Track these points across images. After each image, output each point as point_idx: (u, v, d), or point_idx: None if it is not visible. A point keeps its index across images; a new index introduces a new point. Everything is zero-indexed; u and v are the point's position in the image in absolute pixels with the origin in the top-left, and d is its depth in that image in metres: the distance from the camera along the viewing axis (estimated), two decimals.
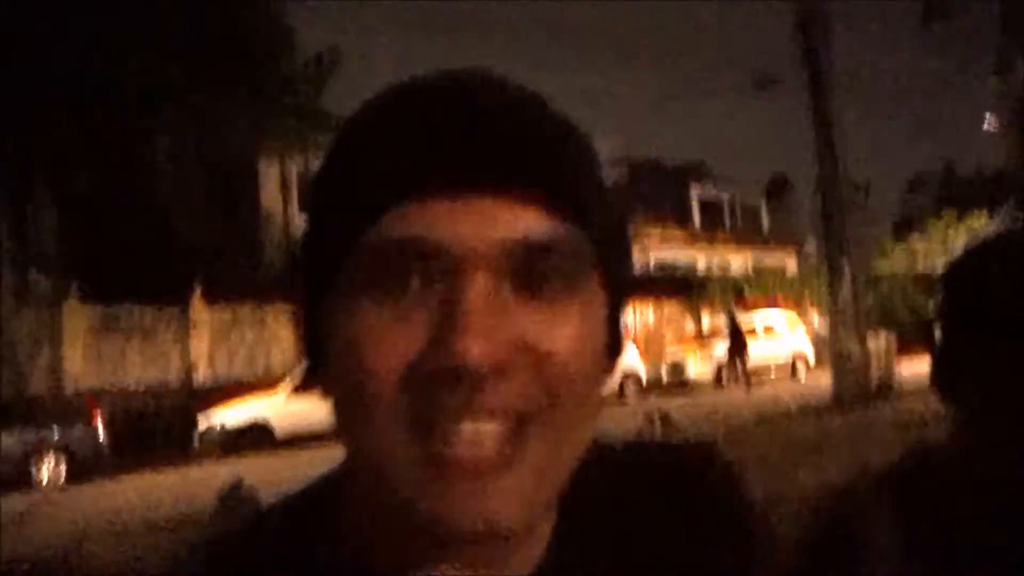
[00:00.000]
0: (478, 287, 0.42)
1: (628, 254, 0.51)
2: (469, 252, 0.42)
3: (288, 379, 14.42)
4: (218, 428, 14.15)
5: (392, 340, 0.43)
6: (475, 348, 0.41)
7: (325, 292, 0.46)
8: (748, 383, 17.75)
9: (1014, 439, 0.72)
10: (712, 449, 0.59)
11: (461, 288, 0.42)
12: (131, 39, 13.53)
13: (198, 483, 9.91)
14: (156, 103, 14.31)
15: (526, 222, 0.43)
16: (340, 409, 0.46)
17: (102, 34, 13.24)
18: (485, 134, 0.43)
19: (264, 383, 15.79)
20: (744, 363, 18.20)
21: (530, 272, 0.43)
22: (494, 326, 0.42)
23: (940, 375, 0.80)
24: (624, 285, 0.50)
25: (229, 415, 14.34)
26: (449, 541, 0.44)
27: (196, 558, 0.51)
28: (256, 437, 13.98)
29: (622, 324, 0.51)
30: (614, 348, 0.50)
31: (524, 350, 0.43)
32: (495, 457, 0.42)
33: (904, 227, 31.26)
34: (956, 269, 0.81)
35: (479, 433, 0.42)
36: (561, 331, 0.44)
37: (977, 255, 0.79)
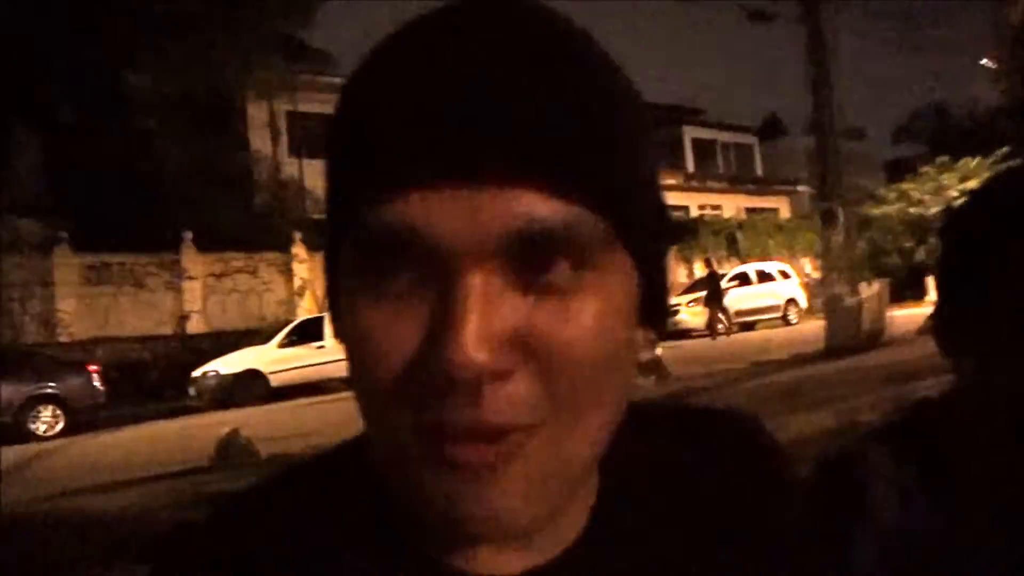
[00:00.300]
0: (474, 285, 0.38)
1: (661, 217, 0.45)
2: (463, 245, 0.38)
3: (283, 332, 14.48)
4: (212, 377, 14.23)
5: (388, 339, 0.40)
6: (470, 356, 0.37)
7: (338, 261, 0.43)
8: (729, 331, 17.90)
9: (1014, 395, 0.71)
10: (756, 419, 0.56)
11: (455, 286, 0.38)
12: None
13: (195, 433, 10.01)
14: (136, 36, 13.93)
15: (526, 208, 0.38)
16: (354, 387, 0.43)
17: None
18: (477, 107, 0.38)
19: (257, 331, 15.85)
20: (722, 311, 18.34)
21: (534, 263, 0.39)
22: (492, 328, 0.38)
23: (939, 331, 0.78)
24: (660, 252, 0.45)
25: (223, 364, 14.41)
26: (457, 538, 0.42)
27: (227, 508, 0.48)
28: (250, 386, 14.07)
29: (665, 288, 0.46)
30: (656, 318, 0.46)
31: (528, 353, 0.39)
32: (498, 462, 0.39)
33: (897, 171, 31.19)
34: (953, 220, 0.78)
35: (479, 449, 0.39)
36: (572, 326, 0.39)
37: (976, 204, 0.76)
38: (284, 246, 18.50)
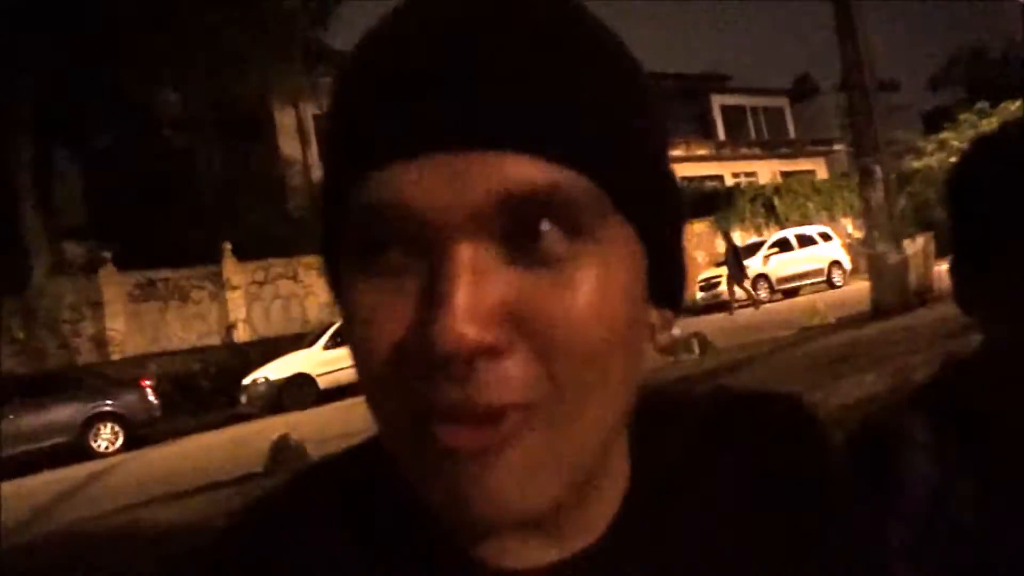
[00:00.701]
0: (461, 257, 0.36)
1: (667, 189, 0.43)
2: (449, 217, 0.36)
3: (327, 334, 14.64)
4: (262, 384, 14.46)
5: (379, 320, 0.38)
6: (459, 331, 0.35)
7: (334, 253, 0.42)
8: (756, 302, 17.63)
9: None
10: (796, 400, 0.53)
11: (443, 260, 0.37)
12: None
13: (248, 440, 10.19)
14: (161, 53, 14.12)
15: (511, 172, 0.36)
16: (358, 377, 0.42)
17: None
18: (452, 75, 0.37)
19: (303, 335, 16.05)
20: (747, 280, 18.03)
21: (524, 231, 0.37)
22: (482, 302, 0.36)
23: (955, 287, 0.76)
24: (668, 225, 0.43)
25: (271, 370, 14.63)
26: (462, 525, 0.41)
27: (253, 513, 0.49)
28: (299, 390, 14.26)
29: (677, 264, 0.44)
30: (669, 297, 0.44)
31: (521, 328, 0.37)
32: (498, 446, 0.37)
33: (935, 121, 30.39)
34: (957, 172, 0.76)
35: (475, 432, 0.37)
36: (568, 299, 0.37)
37: (978, 154, 0.74)
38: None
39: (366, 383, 0.40)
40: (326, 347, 14.70)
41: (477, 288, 0.36)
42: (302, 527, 0.46)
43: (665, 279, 0.43)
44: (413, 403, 0.38)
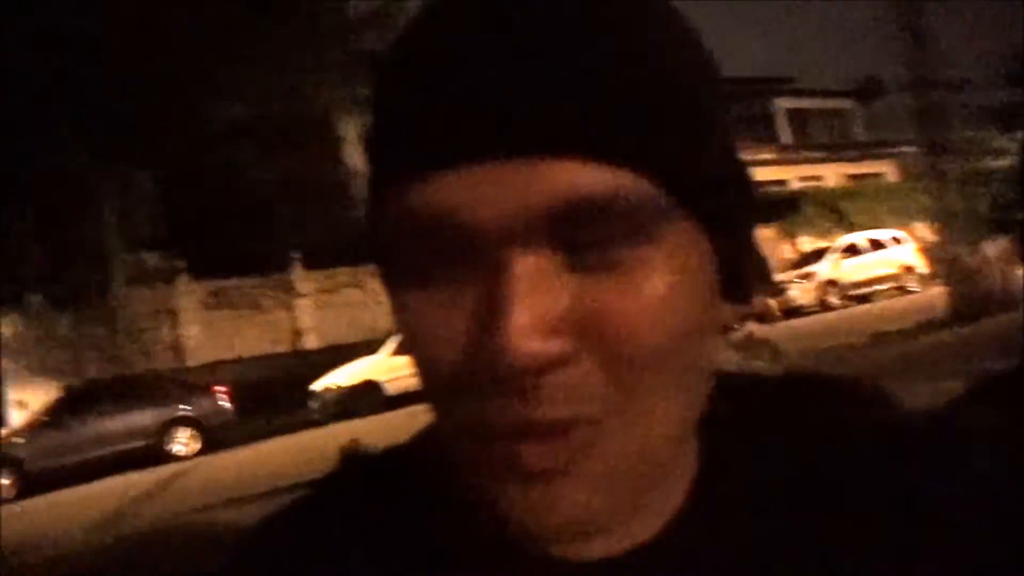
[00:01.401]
0: (520, 267, 0.35)
1: (736, 179, 0.41)
2: (506, 226, 0.35)
3: (393, 340, 14.83)
4: (331, 390, 14.70)
5: (436, 335, 0.37)
6: (520, 345, 0.34)
7: (387, 264, 0.40)
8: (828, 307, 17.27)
9: None
10: (873, 385, 0.50)
11: (500, 271, 0.35)
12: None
13: (317, 445, 10.36)
14: (224, 65, 14.46)
15: (569, 179, 0.34)
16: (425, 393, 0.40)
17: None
18: (505, 76, 0.35)
19: (369, 342, 16.29)
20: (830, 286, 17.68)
21: (586, 239, 0.35)
22: (543, 313, 0.35)
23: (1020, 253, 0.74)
24: (739, 217, 0.41)
25: (340, 377, 14.87)
26: (525, 542, 0.39)
27: (300, 508, 0.48)
28: (367, 396, 14.46)
29: (748, 260, 0.42)
30: (740, 293, 0.42)
31: (585, 338, 0.36)
32: (565, 464, 0.36)
33: (1011, 117, 29.29)
34: None
35: (543, 448, 0.36)
36: (632, 305, 0.36)
37: None
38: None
39: (427, 395, 0.40)
40: (392, 353, 14.89)
41: (538, 298, 0.35)
42: (349, 516, 0.45)
43: (737, 273, 0.41)
44: (476, 419, 0.37)
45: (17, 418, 14.91)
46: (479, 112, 0.35)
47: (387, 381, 14.62)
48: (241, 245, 16.86)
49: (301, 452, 10.62)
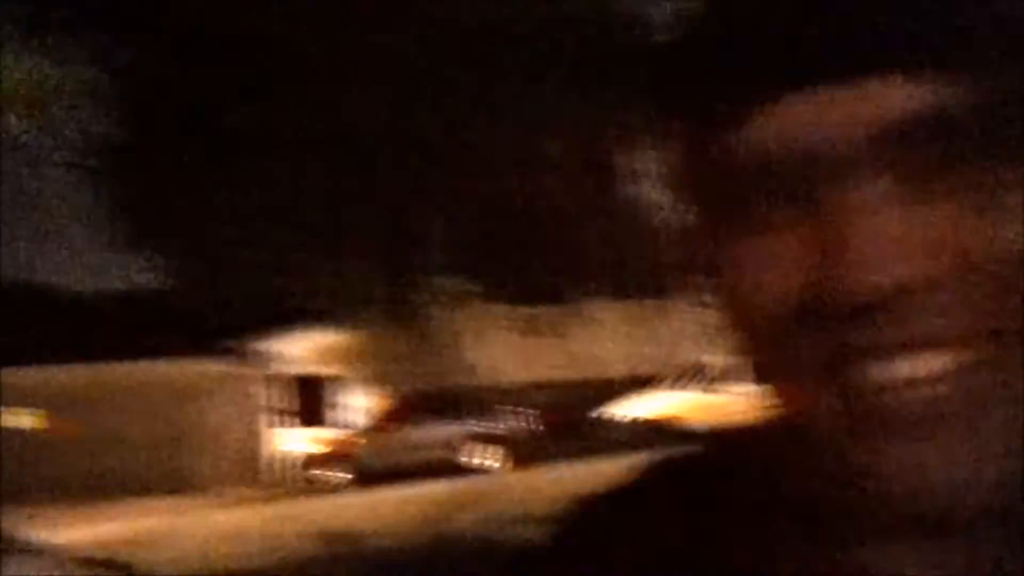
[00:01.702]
0: (861, 195, 0.34)
1: None
2: (839, 155, 0.34)
3: (701, 371, 14.65)
4: (632, 420, 14.83)
5: (773, 270, 0.36)
6: (874, 274, 0.33)
7: (701, 193, 0.39)
8: None
9: None
10: None
11: (841, 201, 0.34)
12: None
13: (612, 473, 10.43)
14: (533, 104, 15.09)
15: (899, 101, 0.33)
16: (733, 337, 0.39)
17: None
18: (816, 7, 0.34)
19: (672, 375, 16.23)
20: None
21: (922, 163, 0.34)
22: (891, 239, 0.33)
23: None
24: None
25: (639, 406, 14.94)
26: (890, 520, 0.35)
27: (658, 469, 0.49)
28: (672, 430, 14.36)
29: None
30: None
31: (938, 262, 0.33)
32: (933, 411, 0.33)
33: None
34: None
35: (913, 374, 0.33)
36: (990, 228, 0.33)
37: None
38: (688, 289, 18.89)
39: (754, 346, 0.38)
40: (687, 388, 14.70)
41: (884, 225, 0.33)
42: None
43: None
44: (824, 357, 0.35)
45: (356, 421, 16.88)
46: (805, 33, 0.34)
47: (683, 416, 14.41)
48: (550, 274, 17.70)
49: (604, 479, 10.77)
